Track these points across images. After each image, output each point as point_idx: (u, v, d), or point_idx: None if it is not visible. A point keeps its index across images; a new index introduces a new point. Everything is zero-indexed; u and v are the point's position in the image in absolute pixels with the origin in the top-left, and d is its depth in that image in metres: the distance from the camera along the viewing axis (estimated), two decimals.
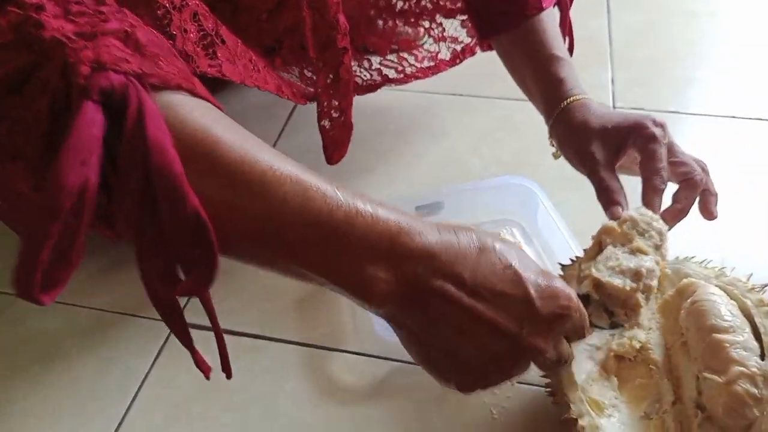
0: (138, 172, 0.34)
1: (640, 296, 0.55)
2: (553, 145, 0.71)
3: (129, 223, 0.36)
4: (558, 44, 0.70)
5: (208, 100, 0.40)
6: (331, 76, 0.72)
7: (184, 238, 0.36)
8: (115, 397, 0.66)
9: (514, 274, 0.43)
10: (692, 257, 0.61)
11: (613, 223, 0.58)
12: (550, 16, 0.73)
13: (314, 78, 0.74)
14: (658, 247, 0.57)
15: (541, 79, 0.69)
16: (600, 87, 1.05)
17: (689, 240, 0.67)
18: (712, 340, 0.51)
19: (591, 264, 0.55)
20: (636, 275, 0.54)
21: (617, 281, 0.54)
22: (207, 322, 0.41)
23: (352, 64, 0.77)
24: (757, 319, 0.52)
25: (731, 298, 0.55)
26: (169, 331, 0.71)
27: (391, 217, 0.41)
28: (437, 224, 0.44)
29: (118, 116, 0.34)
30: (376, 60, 0.87)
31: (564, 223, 0.73)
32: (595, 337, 0.56)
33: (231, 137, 0.38)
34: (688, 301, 0.55)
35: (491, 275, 0.42)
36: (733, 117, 0.98)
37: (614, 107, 1.00)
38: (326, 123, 0.76)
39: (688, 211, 0.61)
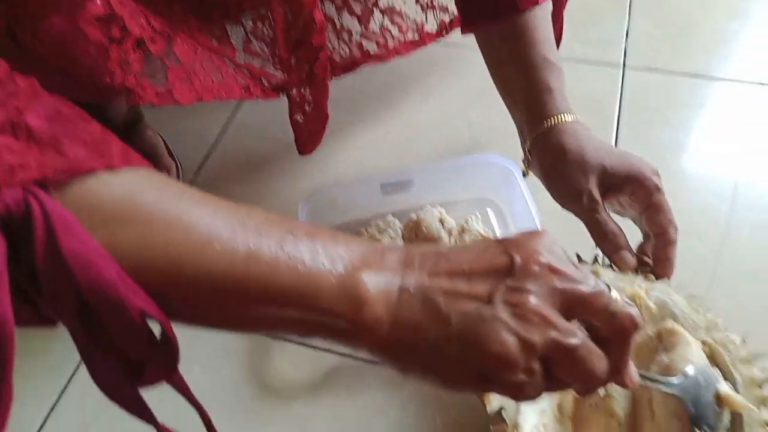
0: (65, 290, 0.30)
1: None
2: (524, 162, 0.62)
3: (72, 335, 0.32)
4: (551, 46, 0.60)
5: (131, 163, 0.34)
6: (305, 72, 0.65)
7: (135, 340, 0.32)
8: (51, 380, 0.65)
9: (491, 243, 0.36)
10: (682, 291, 0.53)
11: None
12: (545, 11, 0.62)
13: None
14: None
15: (530, 86, 0.59)
16: (609, 42, 0.93)
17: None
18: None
19: None
20: None
21: None
22: None
23: (330, 37, 0.71)
24: (744, 413, 0.45)
25: (719, 367, 0.47)
26: None
27: (335, 262, 0.34)
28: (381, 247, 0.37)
29: (26, 233, 0.29)
30: (356, 32, 0.78)
31: (536, 208, 0.66)
32: None
33: (160, 202, 0.33)
34: (665, 357, 0.47)
35: (457, 261, 0.36)
36: (761, 84, 0.86)
37: (624, 65, 0.89)
38: (299, 117, 0.69)
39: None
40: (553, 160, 0.57)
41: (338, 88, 0.87)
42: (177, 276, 0.32)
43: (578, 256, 0.58)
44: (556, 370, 0.34)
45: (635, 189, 0.55)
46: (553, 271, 0.34)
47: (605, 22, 0.95)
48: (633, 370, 0.37)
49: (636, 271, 0.54)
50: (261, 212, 0.35)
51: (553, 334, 0.33)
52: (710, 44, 0.92)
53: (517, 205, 0.71)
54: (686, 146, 0.79)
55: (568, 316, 0.34)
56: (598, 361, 0.34)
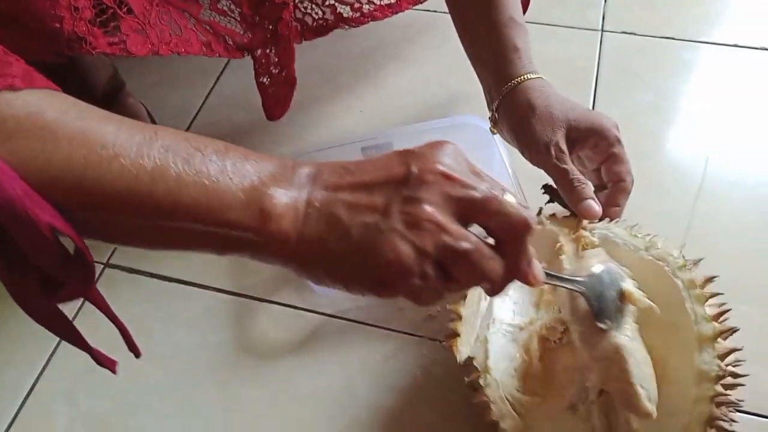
0: None
1: None
2: (492, 120, 0.64)
3: None
4: (517, 8, 0.62)
5: (33, 84, 0.34)
6: (269, 31, 0.64)
7: (48, 256, 0.33)
8: (40, 342, 0.66)
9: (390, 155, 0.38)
10: (623, 220, 0.56)
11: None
12: None
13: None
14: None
15: (496, 45, 0.61)
16: (588, 6, 0.93)
17: None
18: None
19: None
20: None
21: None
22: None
23: None
24: (687, 304, 0.47)
25: (660, 277, 0.50)
26: (98, 274, 0.70)
27: (243, 174, 0.36)
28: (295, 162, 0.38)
29: None
30: None
31: (512, 169, 0.67)
32: (518, 317, 0.52)
33: (63, 116, 0.34)
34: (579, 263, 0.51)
35: (367, 165, 0.38)
36: (736, 46, 0.87)
37: (602, 29, 0.90)
38: (265, 80, 0.69)
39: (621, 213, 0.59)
40: (522, 116, 0.59)
41: (315, 54, 0.88)
42: (82, 192, 0.33)
43: (546, 186, 0.60)
44: (453, 272, 0.36)
45: (597, 141, 0.57)
46: (448, 178, 0.36)
47: None
48: (537, 269, 0.39)
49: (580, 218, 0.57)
50: (170, 130, 0.36)
51: (446, 239, 0.35)
52: (686, 8, 0.92)
53: (494, 166, 0.72)
54: (662, 108, 0.81)
55: (464, 221, 0.36)
56: (492, 261, 0.36)
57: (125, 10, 0.54)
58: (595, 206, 0.56)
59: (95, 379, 0.63)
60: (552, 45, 0.88)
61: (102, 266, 0.71)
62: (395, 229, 0.35)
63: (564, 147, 0.57)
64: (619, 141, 0.58)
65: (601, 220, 0.56)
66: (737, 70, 0.84)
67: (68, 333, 0.38)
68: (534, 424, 0.50)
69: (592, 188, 0.57)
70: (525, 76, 0.60)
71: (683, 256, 0.52)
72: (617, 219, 0.57)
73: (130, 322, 0.68)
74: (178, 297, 0.68)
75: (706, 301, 0.48)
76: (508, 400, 0.51)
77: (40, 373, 0.64)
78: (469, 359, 0.52)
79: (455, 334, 0.52)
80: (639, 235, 0.54)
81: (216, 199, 0.35)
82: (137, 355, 0.42)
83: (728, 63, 0.85)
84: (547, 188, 0.62)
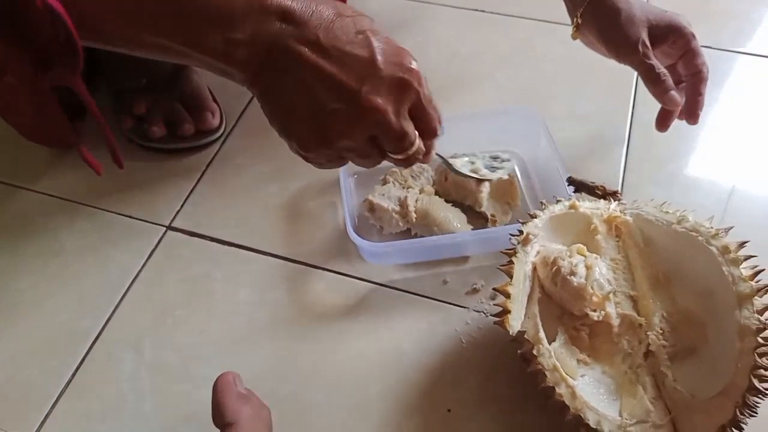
0: None
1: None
2: (575, 26, 0.71)
3: None
4: None
5: None
6: None
7: (41, 32, 0.36)
8: (108, 293, 0.70)
9: (365, 38, 0.45)
10: (651, 200, 0.61)
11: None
12: None
13: None
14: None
15: None
16: None
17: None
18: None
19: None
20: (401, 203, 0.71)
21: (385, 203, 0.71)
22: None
23: None
24: (724, 268, 0.51)
25: (695, 247, 0.54)
26: (160, 235, 0.75)
27: None
28: None
29: None
30: None
31: (562, 161, 0.71)
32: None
33: None
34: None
35: (342, 36, 0.45)
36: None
37: None
38: None
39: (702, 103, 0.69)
40: (610, 19, 0.67)
41: None
42: None
43: (555, 198, 0.64)
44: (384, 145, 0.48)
45: (676, 38, 0.67)
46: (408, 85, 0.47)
47: None
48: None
49: (608, 200, 0.62)
50: None
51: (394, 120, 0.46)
52: (723, 20, 0.97)
53: (541, 155, 0.76)
54: None
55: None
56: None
57: None
58: (677, 96, 0.65)
59: (160, 330, 0.67)
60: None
61: (165, 228, 0.76)
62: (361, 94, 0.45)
63: (648, 44, 0.65)
64: (694, 36, 0.66)
65: (689, 116, 0.67)
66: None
67: (57, 115, 0.43)
68: (586, 388, 0.54)
69: (671, 80, 0.66)
70: None
71: (713, 227, 0.55)
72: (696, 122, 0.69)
73: (191, 280, 0.73)
74: (236, 260, 0.73)
75: (741, 263, 0.52)
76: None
77: (106, 322, 0.68)
78: (521, 333, 0.55)
79: (506, 311, 0.55)
80: (669, 211, 0.58)
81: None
82: (120, 166, 0.48)
83: (760, 73, 0.89)
84: (571, 180, 0.66)
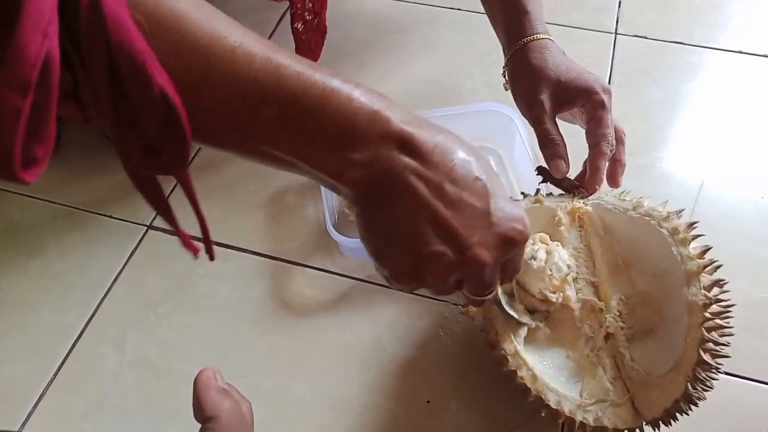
0: (100, 49, 0.33)
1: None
2: (504, 77, 0.70)
3: (100, 104, 0.35)
4: None
5: None
6: None
7: (154, 117, 0.35)
8: (90, 291, 0.71)
9: (483, 187, 0.43)
10: (611, 191, 0.63)
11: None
12: None
13: None
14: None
15: (508, 7, 0.67)
16: (604, 10, 1.00)
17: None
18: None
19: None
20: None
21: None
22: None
23: None
24: (673, 248, 0.54)
25: (648, 230, 0.56)
26: (142, 234, 0.76)
27: (370, 98, 0.40)
28: (418, 115, 0.43)
29: None
30: None
31: (535, 157, 0.72)
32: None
33: (196, 12, 0.37)
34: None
35: (462, 181, 0.42)
36: (740, 52, 0.94)
37: (616, 32, 0.96)
38: (299, 25, 0.75)
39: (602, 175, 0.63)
40: (520, 73, 0.65)
41: (346, 42, 0.93)
42: (206, 86, 0.36)
43: (522, 194, 0.65)
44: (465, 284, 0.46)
45: (585, 103, 0.62)
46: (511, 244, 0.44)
47: None
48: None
49: (573, 193, 0.63)
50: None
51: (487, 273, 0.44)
52: (694, 15, 0.99)
53: (516, 152, 0.78)
54: (669, 105, 0.87)
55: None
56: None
57: None
58: (562, 165, 0.61)
59: (142, 327, 0.68)
60: (568, 45, 0.91)
61: (145, 228, 0.77)
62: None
63: (547, 106, 0.62)
64: (603, 105, 0.61)
65: (589, 188, 0.62)
66: (740, 75, 0.91)
67: (161, 204, 0.40)
68: (548, 371, 0.56)
69: (565, 148, 0.62)
70: (531, 37, 0.65)
71: (666, 211, 0.57)
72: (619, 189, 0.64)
73: (173, 277, 0.74)
74: (219, 257, 0.74)
75: (689, 243, 0.54)
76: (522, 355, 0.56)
77: (89, 320, 0.69)
78: (487, 320, 0.57)
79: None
80: (627, 199, 0.60)
81: (345, 115, 0.39)
82: (211, 257, 0.44)
83: (732, 68, 0.92)
84: (540, 170, 0.66)
